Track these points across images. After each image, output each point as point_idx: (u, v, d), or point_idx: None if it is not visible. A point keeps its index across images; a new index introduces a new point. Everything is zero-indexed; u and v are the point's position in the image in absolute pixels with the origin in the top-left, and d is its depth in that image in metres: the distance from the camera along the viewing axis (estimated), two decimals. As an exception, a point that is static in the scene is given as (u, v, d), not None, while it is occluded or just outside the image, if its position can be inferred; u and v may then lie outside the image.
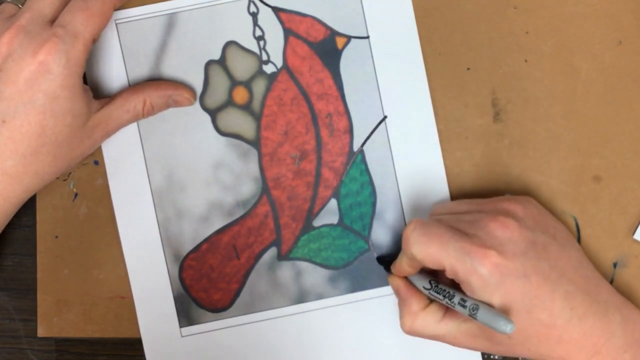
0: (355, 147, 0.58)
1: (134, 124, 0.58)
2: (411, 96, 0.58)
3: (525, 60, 0.58)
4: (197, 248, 0.58)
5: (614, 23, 0.58)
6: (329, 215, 0.58)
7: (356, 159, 0.58)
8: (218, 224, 0.58)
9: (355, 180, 0.58)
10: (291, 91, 0.58)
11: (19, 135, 0.51)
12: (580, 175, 0.58)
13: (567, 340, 0.51)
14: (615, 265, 0.58)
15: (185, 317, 0.58)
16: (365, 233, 0.58)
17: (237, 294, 0.58)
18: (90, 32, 0.52)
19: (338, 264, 0.58)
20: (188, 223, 0.58)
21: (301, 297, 0.58)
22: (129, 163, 0.58)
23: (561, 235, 0.54)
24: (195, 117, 0.58)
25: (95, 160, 0.59)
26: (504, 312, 0.50)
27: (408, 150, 0.58)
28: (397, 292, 0.55)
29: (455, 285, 0.53)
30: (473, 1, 0.58)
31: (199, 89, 0.58)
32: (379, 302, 0.58)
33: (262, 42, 0.58)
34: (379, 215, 0.58)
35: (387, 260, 0.57)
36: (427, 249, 0.51)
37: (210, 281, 0.58)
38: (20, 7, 0.54)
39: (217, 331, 0.58)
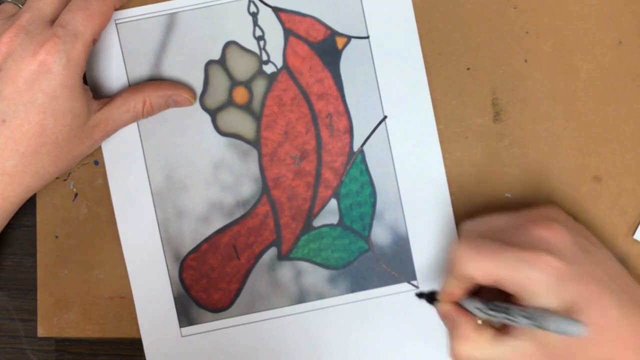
0: (355, 147, 0.58)
1: (134, 124, 0.58)
2: (411, 96, 0.58)
3: (525, 60, 0.58)
4: (197, 248, 0.58)
5: (614, 23, 0.58)
6: (329, 215, 0.58)
7: (356, 159, 0.58)
8: (218, 224, 0.58)
9: (355, 180, 0.58)
10: (291, 91, 0.58)
11: (19, 134, 0.51)
12: (580, 175, 0.58)
13: (616, 340, 0.49)
14: (615, 265, 0.58)
15: (186, 317, 0.58)
16: (365, 233, 0.58)
17: (237, 293, 0.58)
18: (90, 32, 0.52)
19: (338, 264, 0.58)
20: (188, 223, 0.58)
21: (301, 297, 0.58)
22: (129, 163, 0.58)
23: (592, 238, 0.54)
24: (195, 117, 0.58)
25: (95, 161, 0.59)
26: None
27: (408, 150, 0.58)
28: (447, 317, 0.53)
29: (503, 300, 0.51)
30: (473, 1, 0.58)
31: (199, 89, 0.58)
32: (379, 302, 0.58)
33: (262, 42, 0.58)
34: (379, 215, 0.58)
35: (426, 294, 0.57)
36: (480, 263, 0.50)
37: (210, 281, 0.58)
38: (20, 7, 0.54)
39: (217, 331, 0.58)
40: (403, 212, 0.58)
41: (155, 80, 0.58)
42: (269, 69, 0.58)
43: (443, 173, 0.58)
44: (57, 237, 0.59)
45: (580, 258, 0.50)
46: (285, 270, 0.58)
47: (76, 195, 0.59)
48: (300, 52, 0.58)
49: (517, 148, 0.58)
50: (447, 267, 0.53)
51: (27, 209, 0.58)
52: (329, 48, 0.58)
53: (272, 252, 0.58)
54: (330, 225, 0.58)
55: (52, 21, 0.53)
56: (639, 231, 0.57)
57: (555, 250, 0.50)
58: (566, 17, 0.58)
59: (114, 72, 0.58)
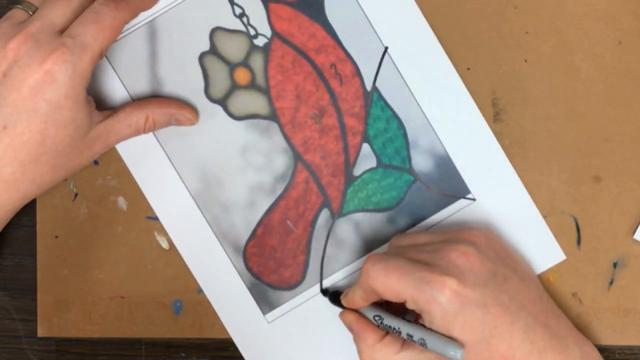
0: (368, 87, 0.58)
1: (151, 135, 0.58)
2: (405, 19, 0.57)
3: (525, 60, 0.58)
4: (253, 234, 0.59)
5: (614, 23, 0.58)
6: (366, 160, 0.58)
7: (373, 98, 0.58)
8: (265, 205, 0.59)
9: (380, 118, 0.58)
10: (289, 55, 0.58)
11: (20, 142, 0.51)
12: (580, 175, 0.58)
13: None
14: (615, 265, 0.58)
15: (266, 304, 0.59)
16: (406, 165, 0.58)
17: (307, 264, 0.59)
18: (99, 46, 0.52)
19: (391, 204, 0.58)
20: (236, 214, 0.59)
21: (368, 247, 0.58)
22: (160, 176, 0.58)
23: (522, 268, 0.54)
24: (207, 111, 0.58)
25: (95, 160, 0.59)
26: (463, 343, 0.50)
27: (419, 72, 0.58)
28: (350, 327, 0.55)
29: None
30: (473, 1, 0.58)
31: (200, 83, 0.58)
32: (443, 225, 0.58)
33: (245, 19, 0.58)
34: (413, 144, 0.58)
35: (330, 293, 0.57)
36: (387, 281, 0.51)
37: (276, 261, 0.59)
38: (30, 14, 0.53)
39: (300, 307, 0.59)
40: (435, 132, 0.58)
41: (159, 97, 0.58)
42: (260, 41, 0.58)
43: (459, 80, 0.58)
44: (57, 237, 0.59)
45: (491, 286, 0.50)
46: (344, 227, 0.58)
47: (76, 195, 0.59)
48: (284, 15, 0.58)
49: (517, 148, 0.58)
50: (358, 276, 0.53)
51: (27, 209, 0.58)
52: (310, 1, 0.58)
53: (325, 214, 0.59)
54: (371, 170, 0.58)
55: (62, 31, 0.52)
56: (639, 231, 0.57)
57: (465, 276, 0.50)
58: (566, 17, 0.58)
59: (115, 92, 0.58)
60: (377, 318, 0.53)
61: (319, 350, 0.58)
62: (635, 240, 0.58)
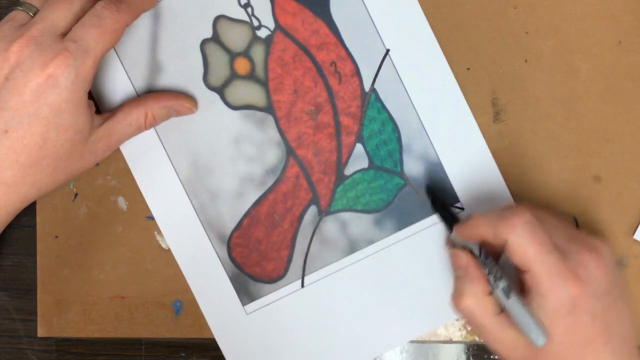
0: (366, 88, 0.58)
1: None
2: (408, 24, 0.58)
3: (525, 60, 0.58)
4: (239, 225, 0.59)
5: (614, 23, 0.58)
6: (358, 160, 0.58)
7: (370, 99, 0.58)
8: (253, 197, 0.59)
9: (375, 120, 0.58)
10: (290, 49, 0.58)
11: (20, 145, 0.51)
12: (580, 175, 0.58)
13: None
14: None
15: (246, 295, 0.59)
16: (398, 169, 0.58)
17: (290, 259, 0.59)
18: (101, 50, 0.52)
19: (379, 206, 0.58)
20: (224, 203, 0.59)
21: (352, 247, 0.58)
22: (151, 159, 0.59)
23: (624, 297, 0.53)
24: (204, 98, 0.58)
25: (95, 160, 0.59)
26: (561, 342, 0.50)
27: (418, 77, 0.58)
28: (463, 269, 0.53)
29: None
30: (473, 1, 0.58)
31: (199, 70, 0.58)
32: (428, 232, 0.58)
33: (249, 9, 0.58)
34: (406, 148, 0.58)
35: (446, 210, 0.56)
36: (527, 247, 0.50)
37: (260, 254, 0.59)
38: (31, 15, 0.53)
39: (279, 300, 0.59)
40: (429, 138, 0.58)
41: (155, 92, 0.58)
42: (262, 33, 0.58)
43: (458, 89, 0.58)
44: (57, 237, 0.59)
45: (604, 301, 0.51)
46: (330, 225, 0.59)
47: (76, 195, 0.59)
48: (289, 9, 0.58)
49: (517, 148, 0.58)
50: (495, 213, 0.51)
51: (27, 209, 0.58)
52: None
53: (312, 210, 0.59)
54: (362, 170, 0.58)
55: (64, 34, 0.52)
56: (639, 231, 0.57)
57: (590, 282, 0.50)
58: (566, 17, 0.58)
59: (113, 72, 0.58)
60: (483, 251, 0.52)
61: (295, 346, 0.59)
62: (635, 240, 0.58)
